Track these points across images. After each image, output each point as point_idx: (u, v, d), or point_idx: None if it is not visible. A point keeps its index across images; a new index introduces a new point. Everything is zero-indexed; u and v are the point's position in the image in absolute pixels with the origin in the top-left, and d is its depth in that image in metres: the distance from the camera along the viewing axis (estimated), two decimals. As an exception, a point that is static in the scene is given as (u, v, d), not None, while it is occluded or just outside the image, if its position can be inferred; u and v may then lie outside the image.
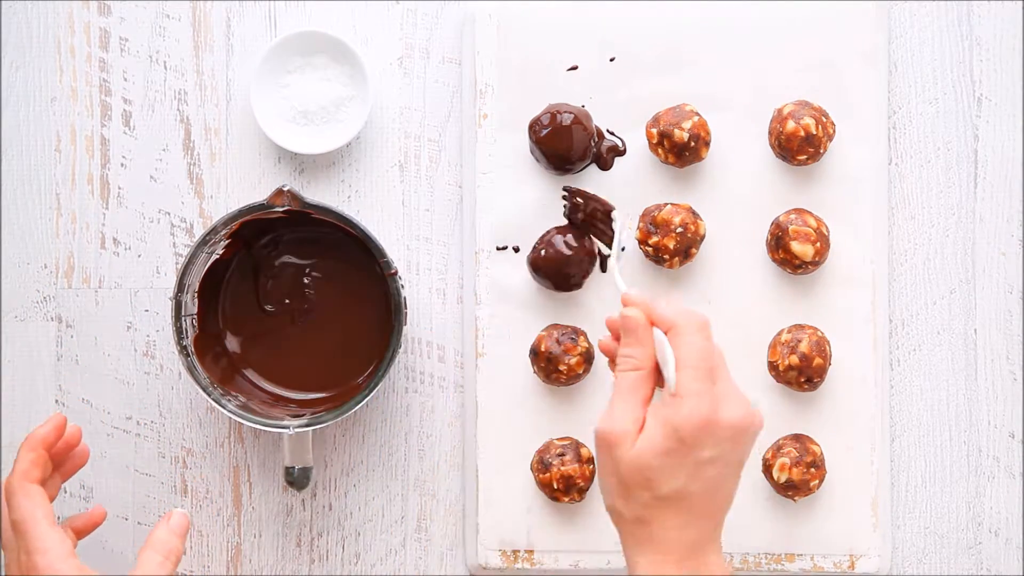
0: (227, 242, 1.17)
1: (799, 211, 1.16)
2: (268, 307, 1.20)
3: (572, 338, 1.16)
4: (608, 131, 1.19)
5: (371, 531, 1.21)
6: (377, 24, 1.21)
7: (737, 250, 1.18)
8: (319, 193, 1.21)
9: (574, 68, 1.19)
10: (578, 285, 1.17)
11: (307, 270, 1.20)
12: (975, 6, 1.20)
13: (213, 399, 1.14)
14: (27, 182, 1.22)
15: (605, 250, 1.13)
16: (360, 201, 1.21)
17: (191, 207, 1.22)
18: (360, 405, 1.13)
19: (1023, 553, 1.20)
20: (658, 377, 0.95)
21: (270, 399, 1.19)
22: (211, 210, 1.22)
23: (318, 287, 1.20)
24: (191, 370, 1.14)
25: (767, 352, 1.17)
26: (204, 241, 1.14)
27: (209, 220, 1.22)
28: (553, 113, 1.16)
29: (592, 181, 1.19)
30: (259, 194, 1.21)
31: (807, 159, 1.16)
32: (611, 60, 1.19)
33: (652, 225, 1.16)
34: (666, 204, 1.16)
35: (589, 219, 1.14)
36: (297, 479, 1.15)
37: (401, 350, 1.14)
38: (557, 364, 1.15)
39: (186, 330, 1.15)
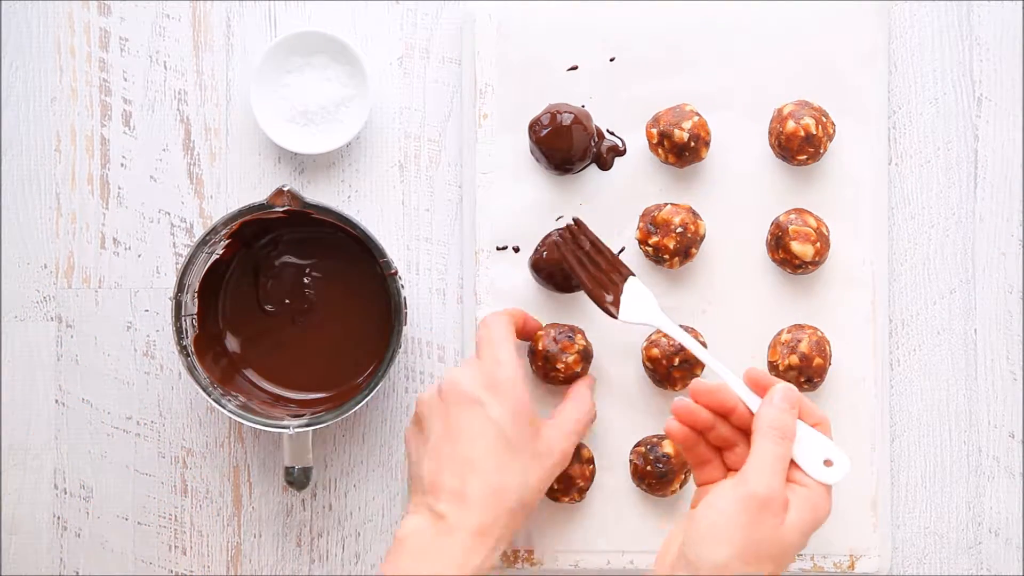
0: (227, 242, 1.17)
1: (799, 211, 1.16)
2: (268, 307, 1.20)
3: (569, 336, 1.16)
4: (608, 131, 1.19)
5: (371, 531, 1.21)
6: (377, 24, 1.21)
7: (737, 250, 1.18)
8: (319, 193, 1.21)
9: (574, 68, 1.19)
10: (580, 288, 1.17)
11: (307, 270, 1.20)
12: (975, 6, 1.20)
13: (213, 399, 1.14)
14: (27, 182, 1.22)
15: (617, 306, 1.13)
16: (360, 201, 1.21)
17: (191, 207, 1.22)
18: (360, 405, 1.13)
19: (1023, 553, 1.20)
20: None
21: (270, 399, 1.19)
22: (211, 210, 1.22)
23: (318, 287, 1.20)
24: (191, 370, 1.14)
25: (767, 352, 1.17)
26: (204, 241, 1.14)
27: (209, 220, 1.22)
28: (553, 113, 1.16)
29: (592, 181, 1.19)
30: (259, 194, 1.21)
31: (807, 159, 1.16)
32: (611, 60, 1.19)
33: (652, 225, 1.16)
34: (666, 204, 1.16)
35: (582, 266, 1.13)
36: (297, 479, 1.15)
37: (401, 350, 1.14)
38: (555, 363, 1.15)
39: (186, 330, 1.15)
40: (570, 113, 1.16)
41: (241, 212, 1.14)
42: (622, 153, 1.19)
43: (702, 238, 1.17)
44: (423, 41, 1.21)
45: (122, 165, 1.22)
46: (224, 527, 1.22)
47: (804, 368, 1.15)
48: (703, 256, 1.18)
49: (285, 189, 1.13)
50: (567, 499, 1.17)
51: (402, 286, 1.14)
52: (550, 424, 1.11)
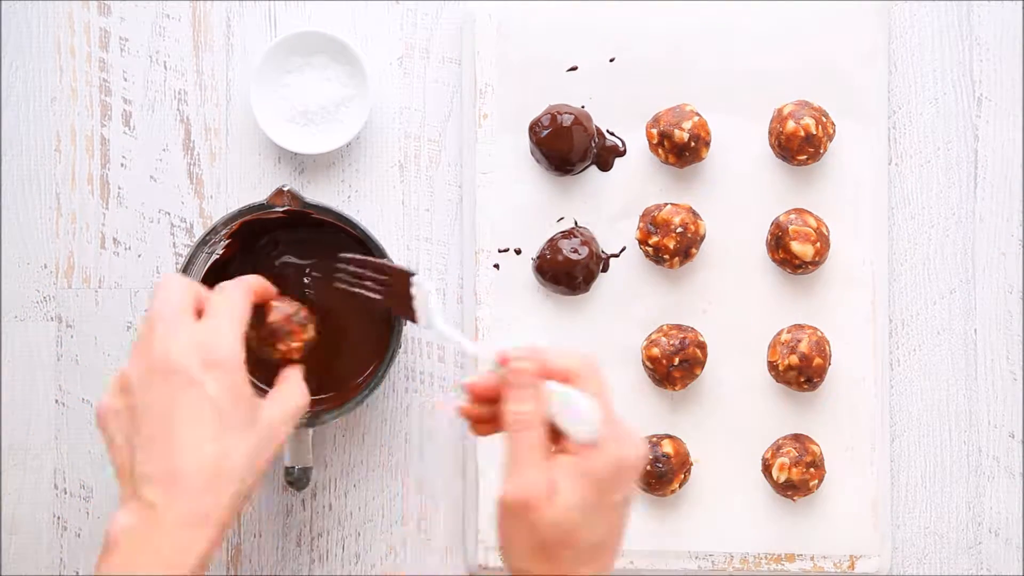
0: (227, 242, 1.17)
1: (799, 211, 1.16)
2: (268, 307, 1.20)
3: (303, 323, 1.08)
4: (608, 131, 1.19)
5: (371, 531, 1.21)
6: (377, 24, 1.21)
7: (737, 250, 1.18)
8: (319, 193, 1.21)
9: (574, 68, 1.19)
10: (584, 289, 1.18)
11: (307, 270, 1.20)
12: (975, 6, 1.20)
13: (213, 399, 1.14)
14: (27, 182, 1.22)
15: (428, 315, 1.02)
16: (360, 201, 1.21)
17: (191, 207, 1.22)
18: (360, 405, 1.13)
19: (1023, 553, 1.20)
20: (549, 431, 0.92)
21: (270, 399, 1.19)
22: (211, 210, 1.22)
23: (318, 287, 1.20)
24: (191, 370, 1.14)
25: (767, 352, 1.17)
26: (204, 241, 1.14)
27: (209, 220, 1.22)
28: (553, 114, 1.16)
29: (592, 182, 1.19)
30: (259, 194, 1.21)
31: (807, 159, 1.16)
32: (611, 60, 1.19)
33: (652, 225, 1.16)
34: (666, 204, 1.16)
35: (360, 285, 1.07)
36: (297, 479, 1.15)
37: (401, 350, 1.14)
38: (276, 341, 1.07)
39: (186, 330, 1.15)
40: (570, 114, 1.16)
41: (241, 212, 1.14)
42: (622, 153, 1.19)
43: (702, 238, 1.17)
44: (423, 41, 1.21)
45: (122, 165, 1.22)
46: (224, 527, 1.22)
47: (804, 368, 1.15)
48: (703, 256, 1.18)
49: (285, 189, 1.13)
50: (567, 499, 1.17)
51: (402, 286, 1.14)
52: (270, 405, 0.99)
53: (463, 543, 1.21)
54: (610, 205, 1.19)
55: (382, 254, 1.13)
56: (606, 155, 1.19)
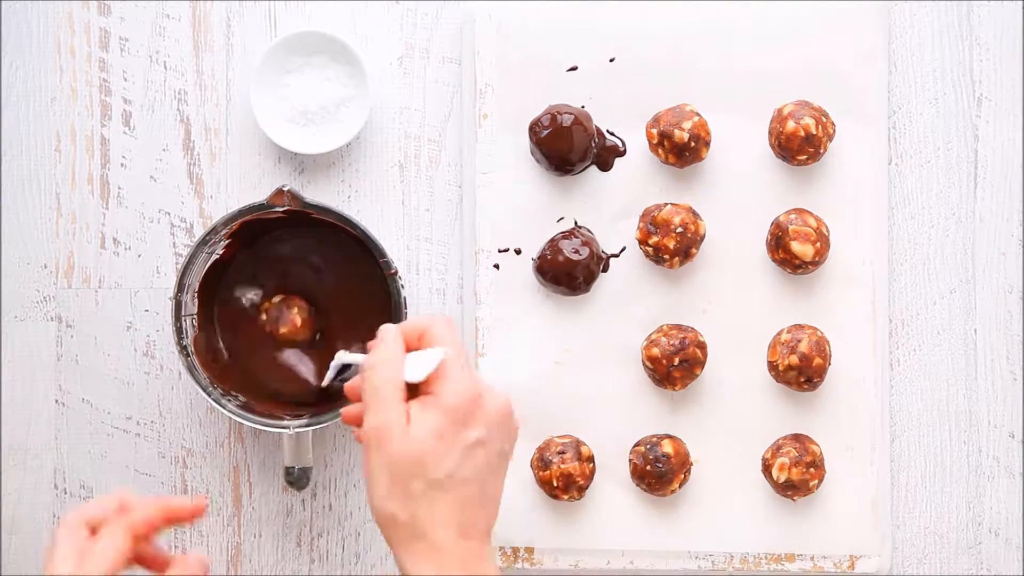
0: (227, 242, 1.17)
1: (799, 211, 1.16)
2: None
3: None
4: (608, 131, 1.19)
5: (371, 531, 1.21)
6: (377, 24, 1.21)
7: (737, 250, 1.18)
8: (319, 193, 1.21)
9: (574, 68, 1.19)
10: (585, 289, 1.18)
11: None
12: (975, 6, 1.20)
13: (213, 399, 1.14)
14: (27, 182, 1.22)
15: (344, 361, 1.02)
16: (360, 201, 1.21)
17: (191, 207, 1.22)
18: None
19: (1023, 553, 1.20)
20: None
21: (270, 399, 1.19)
22: (211, 210, 1.22)
23: (319, 287, 1.20)
24: (191, 370, 1.14)
25: (767, 352, 1.17)
26: (204, 241, 1.14)
27: (209, 220, 1.22)
28: (553, 114, 1.16)
29: (592, 182, 1.19)
30: (259, 194, 1.21)
31: (807, 159, 1.16)
32: (611, 60, 1.19)
33: (652, 225, 1.16)
34: (666, 204, 1.16)
35: None
36: (297, 479, 1.15)
37: (401, 350, 1.14)
38: None
39: (186, 330, 1.15)
40: (570, 114, 1.16)
41: (241, 212, 1.14)
42: (622, 153, 1.19)
43: (702, 238, 1.17)
44: (423, 41, 1.21)
45: (122, 165, 1.22)
46: (224, 527, 1.22)
47: (804, 368, 1.15)
48: (703, 256, 1.18)
49: (285, 189, 1.13)
50: (567, 497, 1.17)
51: (402, 286, 1.14)
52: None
53: (463, 543, 1.21)
54: (610, 205, 1.19)
55: (382, 254, 1.13)
56: (606, 155, 1.19)
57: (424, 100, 1.21)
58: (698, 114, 1.16)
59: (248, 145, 1.22)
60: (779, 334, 1.17)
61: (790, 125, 1.15)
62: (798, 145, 1.15)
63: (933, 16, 1.20)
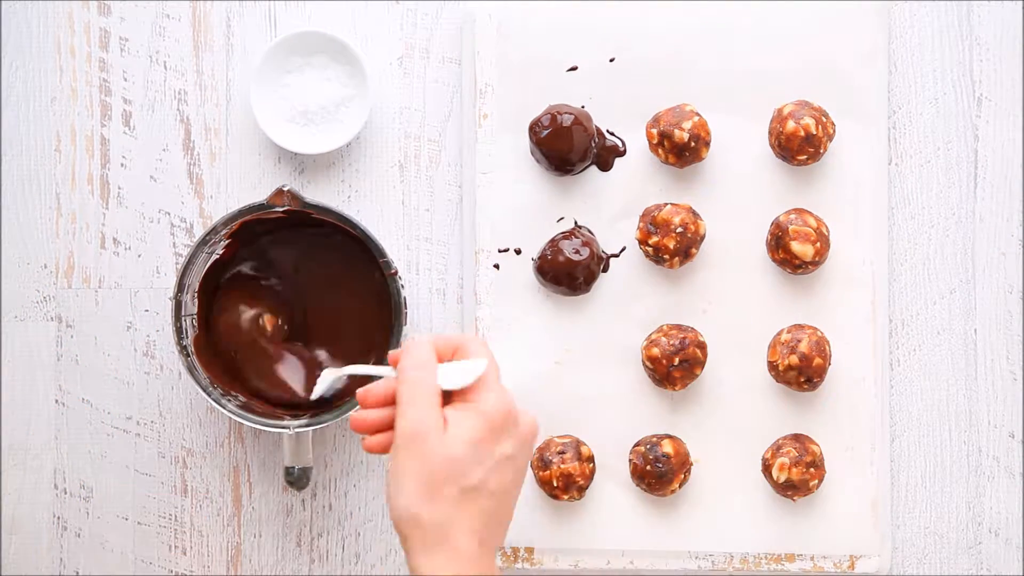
0: (227, 242, 1.17)
1: (799, 211, 1.16)
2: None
3: None
4: (608, 131, 1.19)
5: (371, 531, 1.21)
6: (377, 24, 1.21)
7: (737, 250, 1.18)
8: (319, 193, 1.21)
9: (574, 68, 1.19)
10: (585, 289, 1.18)
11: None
12: (975, 6, 1.20)
13: (213, 399, 1.14)
14: (27, 182, 1.22)
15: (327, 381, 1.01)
16: (360, 201, 1.21)
17: (191, 207, 1.22)
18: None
19: (1023, 553, 1.20)
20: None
21: (270, 399, 1.19)
22: (211, 210, 1.22)
23: (316, 290, 1.20)
24: (191, 370, 1.14)
25: (767, 352, 1.17)
26: (204, 241, 1.14)
27: (209, 220, 1.22)
28: (553, 114, 1.16)
29: (592, 182, 1.19)
30: (259, 194, 1.21)
31: (807, 159, 1.16)
32: (611, 60, 1.19)
33: (652, 225, 1.16)
34: (666, 204, 1.16)
35: None
36: (297, 479, 1.15)
37: (401, 350, 1.14)
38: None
39: (186, 330, 1.15)
40: (570, 114, 1.16)
41: (241, 212, 1.14)
42: (622, 153, 1.19)
43: (702, 238, 1.17)
44: (423, 41, 1.21)
45: (122, 165, 1.22)
46: (224, 527, 1.22)
47: (804, 368, 1.15)
48: (703, 256, 1.18)
49: (285, 189, 1.13)
50: (567, 497, 1.17)
51: (402, 286, 1.14)
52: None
53: (463, 543, 1.21)
54: (610, 205, 1.19)
55: (382, 254, 1.13)
56: (606, 155, 1.19)
57: (424, 100, 1.21)
58: (698, 114, 1.16)
59: (248, 145, 1.22)
60: (779, 334, 1.17)
61: (790, 125, 1.15)
62: (798, 145, 1.15)
63: (933, 16, 1.20)
